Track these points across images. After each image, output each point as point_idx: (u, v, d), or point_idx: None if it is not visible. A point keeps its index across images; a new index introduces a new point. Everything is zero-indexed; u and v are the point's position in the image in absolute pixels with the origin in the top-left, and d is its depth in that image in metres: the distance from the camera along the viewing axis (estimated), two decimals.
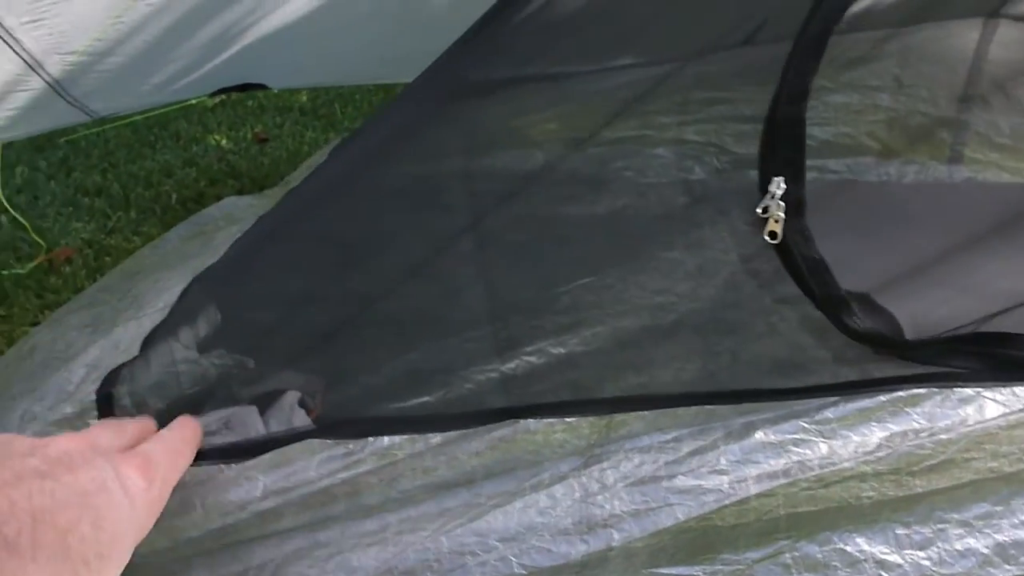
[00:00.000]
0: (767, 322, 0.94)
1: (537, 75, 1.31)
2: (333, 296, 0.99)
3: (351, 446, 0.60)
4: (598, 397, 0.69)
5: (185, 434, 0.57)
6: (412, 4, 1.22)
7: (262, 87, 1.56)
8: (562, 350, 0.87)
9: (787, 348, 0.89)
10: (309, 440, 0.60)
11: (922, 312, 0.83)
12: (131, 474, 0.44)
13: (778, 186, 0.69)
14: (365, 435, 0.60)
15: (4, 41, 0.77)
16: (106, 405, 0.71)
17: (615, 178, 1.34)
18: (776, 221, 0.69)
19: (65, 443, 0.42)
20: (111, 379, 0.74)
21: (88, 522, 0.37)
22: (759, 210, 0.71)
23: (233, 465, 0.60)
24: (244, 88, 1.49)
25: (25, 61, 0.84)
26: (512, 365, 0.84)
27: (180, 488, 0.61)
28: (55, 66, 0.89)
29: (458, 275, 1.03)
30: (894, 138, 1.32)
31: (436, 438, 0.61)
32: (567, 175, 1.36)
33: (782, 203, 0.68)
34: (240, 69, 1.32)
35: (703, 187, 1.33)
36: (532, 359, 0.85)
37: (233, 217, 1.21)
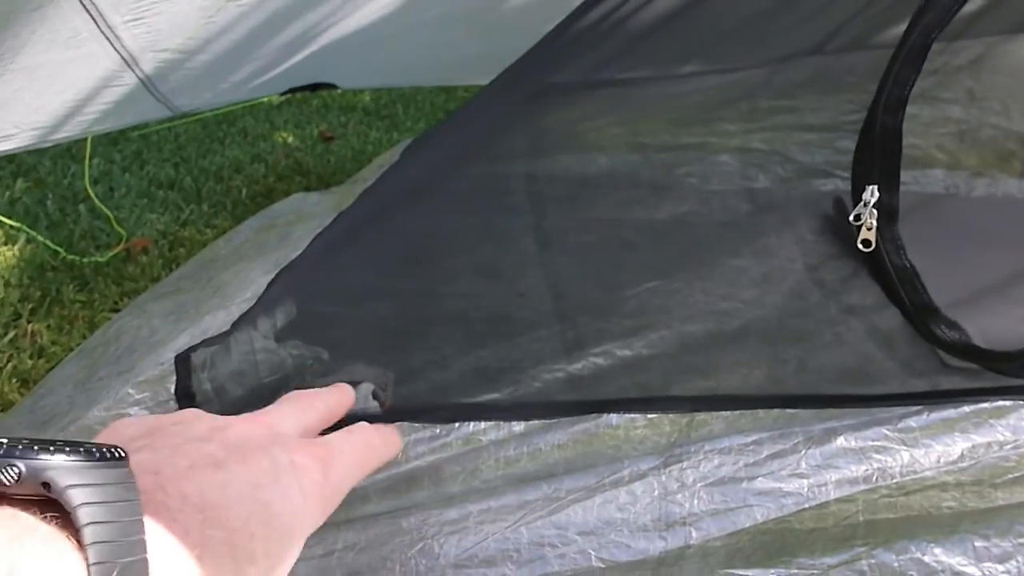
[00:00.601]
0: (833, 332, 0.94)
1: (605, 80, 1.33)
2: (403, 292, 1.01)
3: (438, 430, 0.61)
4: (677, 395, 0.70)
5: (378, 437, 0.50)
6: (483, 9, 1.24)
7: (331, 87, 1.60)
8: (628, 352, 0.87)
9: (854, 358, 0.89)
10: (398, 424, 0.62)
11: (998, 328, 0.83)
12: (309, 465, 0.40)
13: (872, 194, 0.69)
14: (452, 420, 0.62)
15: (106, 38, 0.81)
16: (184, 369, 0.74)
17: (678, 184, 1.34)
18: (869, 229, 0.69)
19: (245, 427, 0.39)
20: (192, 349, 0.77)
21: (258, 519, 0.34)
22: (851, 218, 0.71)
23: None
24: (314, 88, 1.53)
25: (123, 58, 0.87)
26: (579, 366, 0.85)
27: None
28: (149, 63, 0.92)
29: (524, 275, 1.05)
30: (964, 151, 1.31)
31: (519, 426, 0.62)
32: (630, 180, 1.37)
33: (875, 211, 0.68)
34: (313, 69, 1.35)
35: (767, 195, 1.33)
36: (599, 360, 0.86)
37: (302, 212, 1.25)
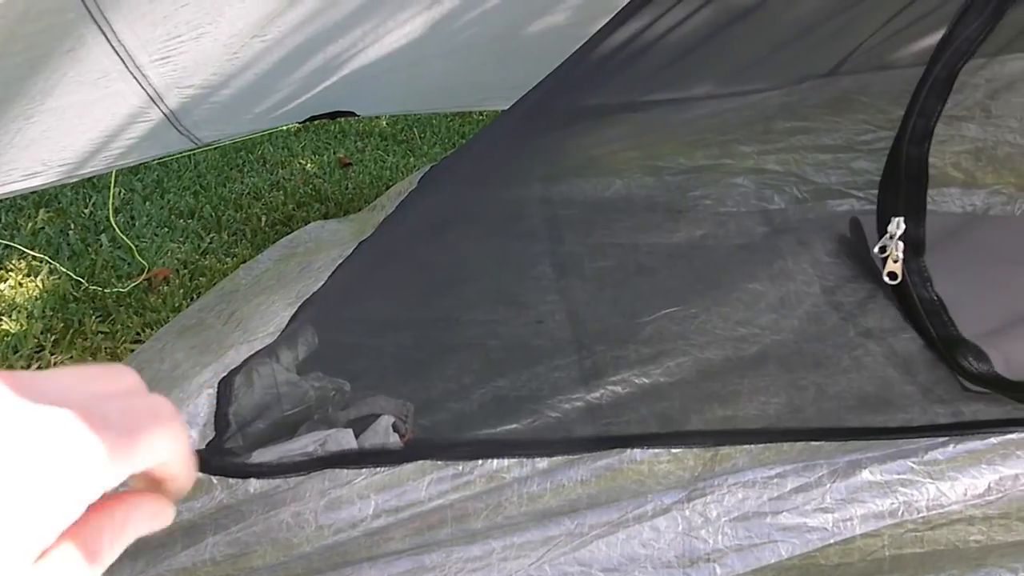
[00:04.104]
0: (851, 356, 0.93)
1: (621, 105, 1.33)
2: (424, 322, 1.02)
3: (461, 467, 0.62)
4: (700, 429, 0.70)
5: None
6: (503, 36, 1.25)
7: (350, 114, 1.62)
8: (646, 381, 0.88)
9: (873, 383, 0.88)
10: (421, 461, 0.62)
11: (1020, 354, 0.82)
12: None
13: (897, 226, 0.68)
14: (475, 457, 0.62)
15: (134, 77, 0.83)
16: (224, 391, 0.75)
17: (694, 206, 1.35)
18: (895, 261, 0.68)
19: None
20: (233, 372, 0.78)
21: None
22: (876, 250, 0.71)
23: (346, 485, 0.63)
24: (334, 116, 1.55)
25: (149, 95, 0.89)
26: (597, 395, 0.85)
27: (295, 503, 0.64)
28: (173, 99, 0.94)
29: (542, 301, 1.05)
30: (980, 169, 1.30)
31: (543, 463, 0.62)
32: (646, 203, 1.37)
33: (901, 243, 0.68)
34: (333, 97, 1.37)
35: (783, 216, 1.33)
36: (617, 389, 0.86)
37: (321, 241, 1.25)
